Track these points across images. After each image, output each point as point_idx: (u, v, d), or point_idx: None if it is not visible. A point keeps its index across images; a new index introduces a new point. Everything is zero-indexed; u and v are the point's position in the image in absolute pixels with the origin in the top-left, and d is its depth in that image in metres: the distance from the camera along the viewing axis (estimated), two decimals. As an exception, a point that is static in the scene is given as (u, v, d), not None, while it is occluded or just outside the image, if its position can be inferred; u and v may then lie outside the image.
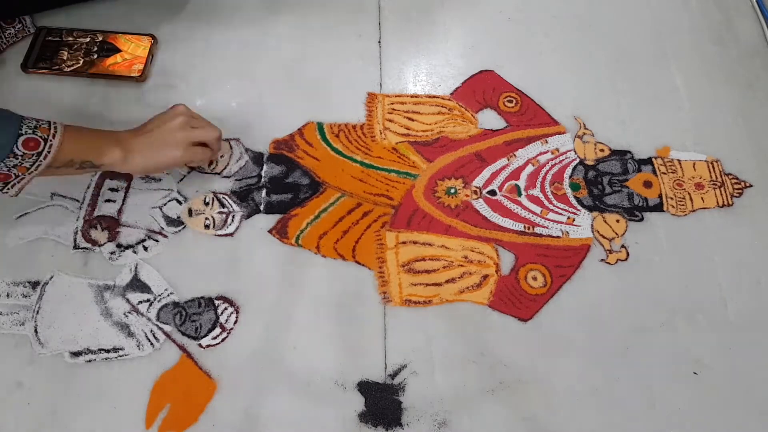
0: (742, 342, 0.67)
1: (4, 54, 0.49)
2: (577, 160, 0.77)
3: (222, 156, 0.74)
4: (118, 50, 0.79)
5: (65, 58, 0.78)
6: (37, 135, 0.55)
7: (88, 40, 0.79)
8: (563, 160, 0.77)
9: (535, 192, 0.74)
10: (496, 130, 0.78)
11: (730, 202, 0.75)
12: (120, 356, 0.63)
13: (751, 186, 0.76)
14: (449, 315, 0.67)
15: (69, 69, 0.77)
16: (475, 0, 0.89)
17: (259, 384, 0.63)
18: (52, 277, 0.67)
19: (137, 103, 0.77)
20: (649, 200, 0.74)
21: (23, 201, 0.71)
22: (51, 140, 0.56)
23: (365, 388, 0.63)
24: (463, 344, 0.66)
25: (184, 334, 0.65)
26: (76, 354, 0.63)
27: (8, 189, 0.58)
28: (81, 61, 0.78)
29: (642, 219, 0.73)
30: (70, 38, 0.79)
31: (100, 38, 0.79)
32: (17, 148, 0.54)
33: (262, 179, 0.74)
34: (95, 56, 0.79)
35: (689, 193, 0.75)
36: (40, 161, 0.56)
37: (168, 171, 0.72)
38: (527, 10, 0.88)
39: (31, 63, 0.77)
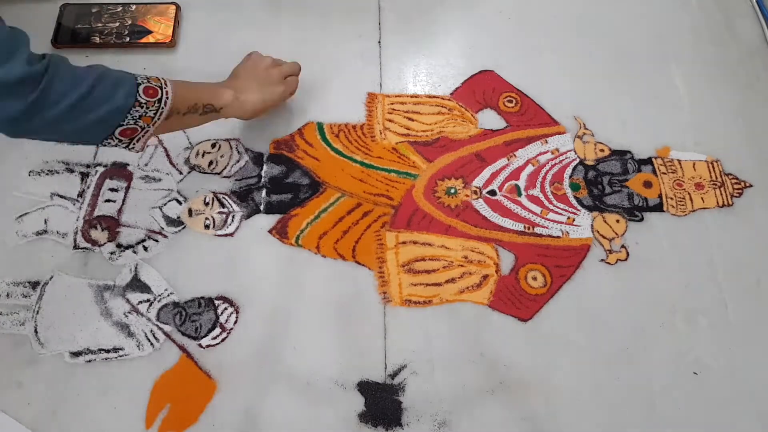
0: (742, 342, 0.67)
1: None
2: (577, 160, 0.77)
3: (224, 155, 0.75)
4: (149, 31, 0.80)
5: (98, 42, 0.80)
6: (152, 84, 0.57)
7: (117, 24, 0.80)
8: (563, 160, 0.77)
9: (535, 192, 0.74)
10: (496, 130, 0.78)
11: (730, 202, 0.75)
12: (120, 356, 0.63)
13: (751, 186, 0.76)
14: (449, 315, 0.67)
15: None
16: (475, 0, 0.89)
17: (259, 384, 0.63)
18: (52, 277, 0.67)
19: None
20: (649, 200, 0.74)
21: (23, 201, 0.71)
22: (166, 87, 0.58)
23: (365, 388, 0.63)
24: (463, 344, 0.66)
25: (184, 334, 0.65)
26: (76, 354, 0.63)
27: (134, 144, 0.59)
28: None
29: (642, 219, 0.73)
30: (99, 24, 0.80)
31: (129, 21, 0.81)
32: (140, 96, 0.55)
33: (262, 179, 0.74)
34: (127, 39, 0.80)
35: (689, 193, 0.75)
36: (162, 108, 0.57)
37: (267, 112, 0.73)
38: (527, 10, 0.88)
39: (62, 39, 0.79)
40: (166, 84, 0.58)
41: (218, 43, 0.83)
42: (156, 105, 0.57)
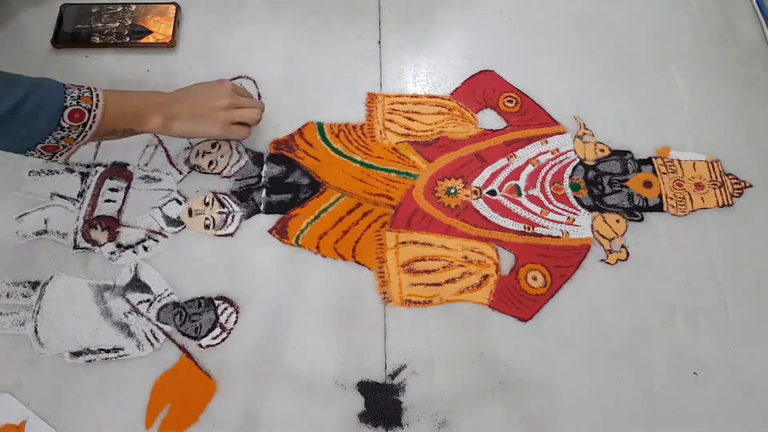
0: (742, 342, 0.67)
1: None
2: (577, 160, 0.77)
3: (228, 155, 0.75)
4: (149, 31, 0.80)
5: (98, 42, 0.80)
6: (81, 106, 0.55)
7: (117, 24, 0.80)
8: (563, 160, 0.77)
9: (535, 192, 0.74)
10: (496, 130, 0.78)
11: (730, 202, 0.75)
12: (120, 356, 0.63)
13: (751, 186, 0.76)
14: (449, 315, 0.67)
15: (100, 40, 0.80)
16: (475, 0, 0.89)
17: (259, 384, 0.63)
18: (52, 277, 0.67)
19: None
20: (649, 200, 0.74)
21: (23, 201, 0.71)
22: (95, 110, 0.56)
23: (365, 388, 0.63)
24: (463, 344, 0.66)
25: (184, 334, 0.65)
26: (76, 354, 0.63)
27: (56, 158, 0.58)
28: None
29: (642, 219, 0.73)
30: (99, 24, 0.80)
31: (129, 21, 0.81)
32: (63, 121, 0.54)
33: (262, 179, 0.74)
34: (127, 39, 0.80)
35: (689, 193, 0.75)
36: (86, 132, 0.56)
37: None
38: (527, 10, 0.88)
39: (62, 39, 0.79)
40: (96, 105, 0.56)
41: (218, 43, 0.83)
42: (80, 129, 0.55)
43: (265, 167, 0.74)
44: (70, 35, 0.80)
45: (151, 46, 0.81)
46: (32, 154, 0.56)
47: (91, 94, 0.57)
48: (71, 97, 0.55)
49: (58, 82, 0.56)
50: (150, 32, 0.81)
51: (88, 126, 0.56)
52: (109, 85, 0.63)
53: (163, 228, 0.70)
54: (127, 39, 0.80)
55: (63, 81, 0.57)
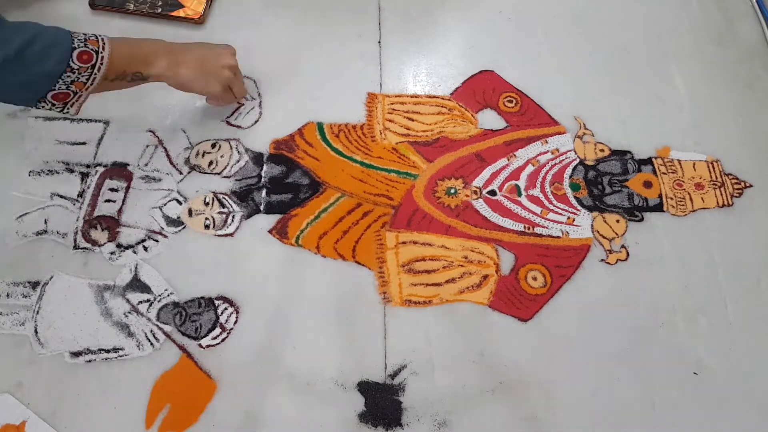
0: (742, 342, 0.67)
1: None
2: (577, 160, 0.77)
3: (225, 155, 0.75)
4: (180, 5, 0.82)
5: (131, 9, 0.82)
6: (88, 48, 0.56)
7: None
8: (563, 160, 0.77)
9: (535, 192, 0.74)
10: (496, 130, 0.78)
11: (730, 202, 0.75)
12: (120, 356, 0.63)
13: (751, 186, 0.76)
14: (449, 315, 0.67)
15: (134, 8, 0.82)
16: (475, 0, 0.89)
17: (259, 384, 0.63)
18: (52, 277, 0.67)
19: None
20: (649, 200, 0.74)
21: (23, 201, 0.71)
22: (102, 52, 0.57)
23: (365, 388, 0.63)
24: (463, 344, 0.66)
25: (184, 334, 0.65)
26: (76, 354, 0.63)
27: (68, 108, 0.59)
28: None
29: (642, 219, 0.73)
30: None
31: None
32: (73, 62, 0.55)
33: (262, 179, 0.74)
34: (159, 10, 0.82)
35: (689, 193, 0.75)
36: (95, 74, 0.57)
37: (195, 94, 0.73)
38: (527, 10, 0.88)
39: (99, 1, 0.82)
40: (103, 48, 0.57)
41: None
42: (89, 71, 0.56)
43: (265, 167, 0.74)
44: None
45: (181, 20, 0.82)
46: (43, 106, 0.57)
47: (97, 38, 0.58)
48: (78, 39, 0.56)
49: (64, 29, 0.57)
50: (182, 6, 0.82)
51: (96, 68, 0.57)
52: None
53: (163, 228, 0.70)
54: (159, 10, 0.82)
55: None
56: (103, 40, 0.58)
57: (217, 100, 0.73)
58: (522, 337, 0.66)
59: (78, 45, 0.55)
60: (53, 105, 0.57)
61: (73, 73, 0.55)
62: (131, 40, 0.63)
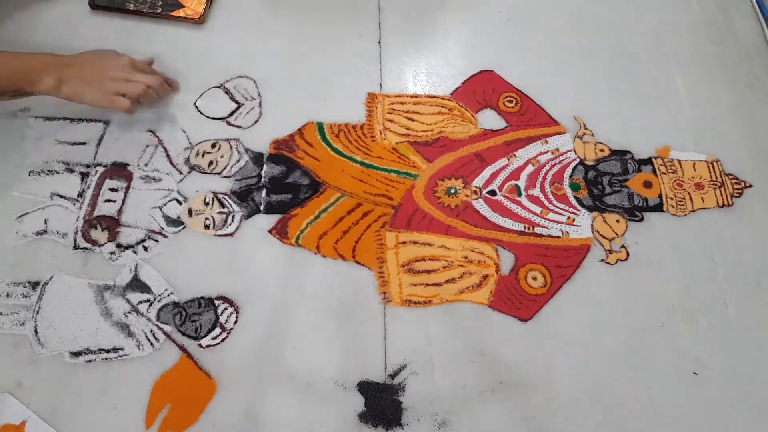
0: (742, 342, 0.67)
1: None
2: (577, 160, 0.77)
3: (221, 153, 0.75)
4: (180, 5, 0.82)
5: (131, 9, 0.82)
6: None
7: None
8: (563, 160, 0.77)
9: (535, 192, 0.74)
10: (496, 130, 0.78)
11: (730, 202, 0.75)
12: (120, 356, 0.63)
13: (751, 186, 0.76)
14: (449, 315, 0.67)
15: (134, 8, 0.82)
16: (475, 0, 0.89)
17: (259, 384, 0.63)
18: (52, 277, 0.67)
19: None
20: (649, 200, 0.74)
21: (23, 201, 0.71)
22: None
23: (365, 388, 0.63)
24: (463, 344, 0.66)
25: (184, 334, 0.65)
26: (76, 354, 0.63)
27: None
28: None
29: (642, 219, 0.73)
30: None
31: None
32: None
33: (262, 179, 0.74)
34: (159, 10, 0.82)
35: (689, 193, 0.75)
36: None
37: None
38: (527, 10, 0.88)
39: (99, 1, 0.82)
40: None
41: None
42: None
43: (265, 167, 0.74)
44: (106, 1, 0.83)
45: (181, 20, 0.82)
46: None
47: None
48: None
49: None
50: (182, 6, 0.82)
51: None
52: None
53: (163, 228, 0.70)
54: (159, 10, 0.82)
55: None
56: None
57: (110, 109, 0.70)
58: (522, 337, 0.66)
59: None
60: None
61: None
62: (13, 55, 0.63)
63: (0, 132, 0.75)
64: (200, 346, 0.64)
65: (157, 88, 0.73)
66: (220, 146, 0.75)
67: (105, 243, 0.69)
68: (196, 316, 0.66)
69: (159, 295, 0.66)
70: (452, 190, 0.74)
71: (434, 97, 0.80)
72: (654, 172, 0.76)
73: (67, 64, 0.66)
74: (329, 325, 0.66)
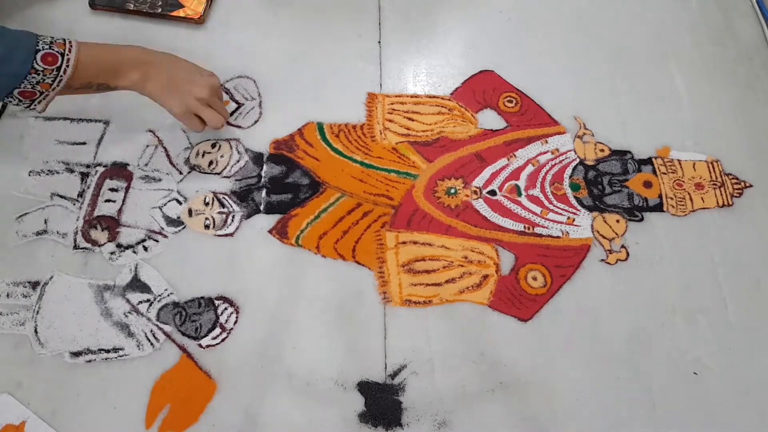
0: (742, 342, 0.67)
1: None
2: (577, 160, 0.77)
3: (222, 156, 0.75)
4: (180, 5, 0.82)
5: (131, 9, 0.82)
6: (54, 50, 0.57)
7: None
8: (563, 160, 0.77)
9: (535, 192, 0.74)
10: (496, 130, 0.78)
11: (730, 202, 0.75)
12: (120, 356, 0.63)
13: (751, 186, 0.76)
14: (449, 315, 0.67)
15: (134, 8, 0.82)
16: (475, 0, 0.89)
17: (259, 384, 0.63)
18: (52, 277, 0.67)
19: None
20: (649, 200, 0.74)
21: (23, 201, 0.71)
22: (68, 54, 0.58)
23: (365, 388, 0.63)
24: (463, 344, 0.66)
25: (184, 334, 0.65)
26: (76, 354, 0.63)
27: (35, 105, 0.60)
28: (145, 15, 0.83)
29: (642, 219, 0.73)
30: None
31: None
32: (37, 63, 0.56)
33: (262, 179, 0.74)
34: (159, 10, 0.82)
35: (689, 193, 0.75)
36: (61, 77, 0.58)
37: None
38: (527, 10, 0.88)
39: (99, 1, 0.82)
40: (69, 50, 0.58)
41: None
42: (54, 73, 0.57)
43: (265, 167, 0.74)
44: (106, 1, 0.83)
45: (181, 20, 0.82)
46: (11, 101, 0.58)
47: (64, 41, 0.59)
48: (43, 42, 0.57)
49: (29, 31, 0.58)
50: (182, 6, 0.82)
51: (62, 71, 0.58)
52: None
53: (163, 228, 0.70)
54: (160, 10, 0.82)
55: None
56: (70, 43, 0.59)
57: (182, 123, 0.70)
58: (522, 337, 0.66)
59: (42, 47, 0.57)
60: (20, 101, 0.58)
61: (38, 74, 0.56)
62: (105, 47, 0.62)
63: (0, 132, 0.75)
64: (200, 346, 0.64)
65: (225, 122, 0.72)
66: (220, 146, 0.75)
67: (105, 243, 0.69)
68: (196, 316, 0.66)
69: (159, 295, 0.66)
70: (452, 190, 0.74)
71: (434, 97, 0.80)
72: (654, 172, 0.76)
73: (157, 62, 0.65)
74: (329, 325, 0.66)
